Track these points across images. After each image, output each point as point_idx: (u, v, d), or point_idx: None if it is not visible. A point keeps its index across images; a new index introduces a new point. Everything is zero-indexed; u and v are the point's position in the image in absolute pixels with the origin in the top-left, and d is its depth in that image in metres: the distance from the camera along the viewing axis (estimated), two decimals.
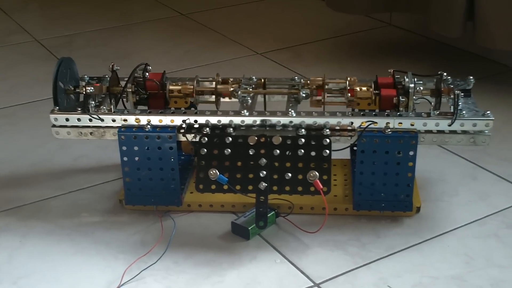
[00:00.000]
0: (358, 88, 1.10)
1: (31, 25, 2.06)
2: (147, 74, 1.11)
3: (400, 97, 1.05)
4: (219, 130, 1.04)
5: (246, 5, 2.21)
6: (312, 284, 0.95)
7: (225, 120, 1.04)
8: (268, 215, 1.03)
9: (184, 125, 1.05)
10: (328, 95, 1.10)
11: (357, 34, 1.93)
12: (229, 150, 1.02)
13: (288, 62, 1.73)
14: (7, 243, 1.05)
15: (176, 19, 2.10)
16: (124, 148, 1.05)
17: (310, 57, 1.77)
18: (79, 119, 1.07)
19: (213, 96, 1.12)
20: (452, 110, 1.03)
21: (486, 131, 1.03)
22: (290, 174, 1.01)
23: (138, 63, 1.13)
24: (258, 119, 1.04)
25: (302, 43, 1.86)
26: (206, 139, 1.02)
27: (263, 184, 1.01)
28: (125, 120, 1.06)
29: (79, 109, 1.07)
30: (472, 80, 1.10)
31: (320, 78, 1.11)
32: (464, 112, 1.03)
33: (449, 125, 1.02)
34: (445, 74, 1.08)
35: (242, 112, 1.05)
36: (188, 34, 1.96)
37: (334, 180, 1.14)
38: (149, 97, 1.12)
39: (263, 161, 1.01)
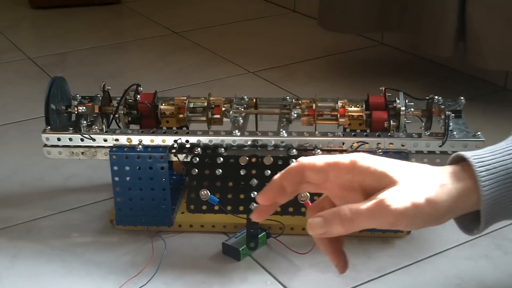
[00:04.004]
0: (349, 108, 1.10)
1: (24, 43, 2.07)
2: (138, 96, 1.11)
3: (391, 120, 1.06)
4: (210, 150, 1.04)
5: (239, 24, 2.22)
6: None
7: (216, 140, 1.05)
8: (259, 236, 1.03)
9: (175, 145, 1.05)
10: (319, 118, 1.11)
11: (349, 53, 1.94)
12: (220, 171, 1.02)
13: (280, 81, 1.73)
14: None
15: (168, 38, 2.11)
16: (115, 168, 1.05)
17: (302, 75, 1.78)
18: (70, 139, 1.07)
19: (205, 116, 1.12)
20: (442, 131, 1.04)
21: None
22: None
23: (130, 83, 1.13)
24: (249, 139, 1.04)
25: (294, 62, 1.87)
26: (198, 159, 1.02)
27: (254, 204, 1.01)
28: (116, 140, 1.06)
29: (71, 128, 1.07)
30: (462, 101, 1.10)
31: (311, 103, 1.11)
32: (454, 133, 1.04)
33: (440, 146, 1.03)
34: (436, 97, 1.08)
35: (234, 132, 1.05)
36: (180, 52, 1.96)
37: None
38: (141, 117, 1.12)
39: (254, 181, 1.01)
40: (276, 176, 0.80)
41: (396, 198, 0.72)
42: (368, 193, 0.76)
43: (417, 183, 0.75)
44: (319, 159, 0.78)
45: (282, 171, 0.80)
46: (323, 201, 0.83)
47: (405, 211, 0.72)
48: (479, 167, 0.78)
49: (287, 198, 0.81)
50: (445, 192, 0.75)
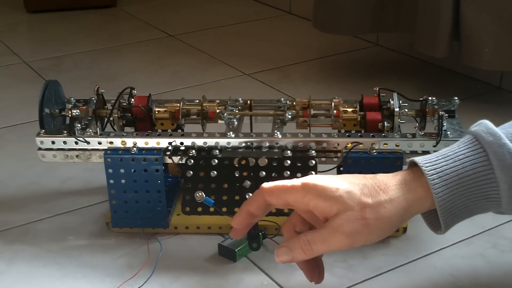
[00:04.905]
0: (344, 109, 1.10)
1: (19, 47, 2.07)
2: (132, 100, 1.11)
3: (385, 122, 1.06)
4: (205, 152, 1.04)
5: (235, 26, 2.22)
6: None
7: (211, 142, 1.05)
8: None
9: (170, 147, 1.05)
10: (314, 119, 1.11)
11: (344, 54, 1.94)
12: (215, 172, 1.02)
13: (276, 83, 1.73)
14: None
15: (164, 40, 2.11)
16: (110, 170, 1.05)
17: (298, 77, 1.78)
18: (65, 142, 1.07)
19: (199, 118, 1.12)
20: (436, 131, 1.04)
21: None
22: None
23: (125, 86, 1.13)
24: (244, 141, 1.04)
25: (290, 63, 1.87)
26: (192, 161, 1.02)
27: None
28: (111, 142, 1.06)
29: (65, 132, 1.08)
30: (456, 101, 1.11)
31: (306, 101, 1.11)
32: (448, 133, 1.04)
33: (434, 146, 1.03)
34: (430, 98, 1.08)
35: (228, 134, 1.05)
36: (176, 55, 1.97)
37: None
38: (135, 119, 1.12)
39: (249, 183, 1.01)
40: (245, 202, 0.88)
41: (348, 222, 0.80)
42: (325, 216, 0.83)
43: (366, 203, 0.81)
44: (276, 185, 0.85)
45: (249, 198, 0.88)
46: (294, 217, 0.90)
47: (358, 232, 0.81)
48: (432, 174, 0.83)
49: (259, 218, 0.91)
50: (395, 206, 0.82)
